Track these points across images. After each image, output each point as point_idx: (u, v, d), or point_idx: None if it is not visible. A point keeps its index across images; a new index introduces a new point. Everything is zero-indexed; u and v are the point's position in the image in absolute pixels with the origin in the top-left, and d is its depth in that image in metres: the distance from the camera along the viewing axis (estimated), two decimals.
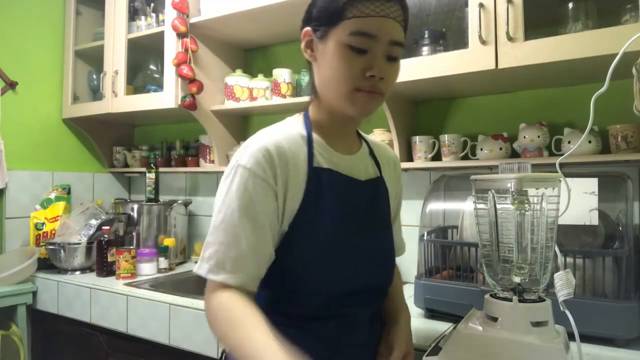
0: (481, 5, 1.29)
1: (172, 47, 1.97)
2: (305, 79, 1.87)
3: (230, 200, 0.80)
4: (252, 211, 0.79)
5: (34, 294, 1.95)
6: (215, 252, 0.80)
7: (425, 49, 1.49)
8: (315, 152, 0.86)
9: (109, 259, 1.92)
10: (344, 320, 0.88)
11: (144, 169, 2.24)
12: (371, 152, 0.99)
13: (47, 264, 2.04)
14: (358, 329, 0.91)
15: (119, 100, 2.15)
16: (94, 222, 2.09)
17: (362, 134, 1.01)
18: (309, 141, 0.87)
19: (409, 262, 1.75)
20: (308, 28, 0.86)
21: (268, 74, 1.98)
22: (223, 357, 0.99)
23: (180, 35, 1.95)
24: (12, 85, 2.18)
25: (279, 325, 0.75)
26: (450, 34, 1.52)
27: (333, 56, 0.81)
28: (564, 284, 0.89)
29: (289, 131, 0.87)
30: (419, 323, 1.27)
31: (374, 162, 0.98)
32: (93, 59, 2.38)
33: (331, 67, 0.82)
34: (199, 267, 0.81)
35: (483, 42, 1.29)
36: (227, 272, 0.79)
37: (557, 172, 0.92)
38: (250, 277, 0.80)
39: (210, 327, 0.80)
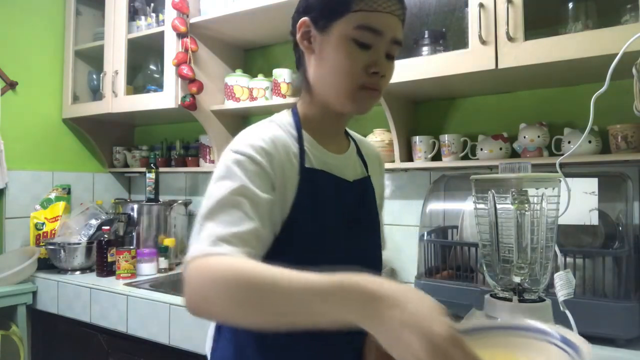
0: (481, 5, 1.29)
1: (172, 47, 1.97)
2: None
3: (228, 183, 0.74)
4: (251, 192, 0.72)
5: (34, 294, 1.95)
6: (215, 230, 0.68)
7: (425, 49, 1.49)
8: (306, 151, 0.82)
9: (109, 259, 1.92)
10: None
11: (144, 169, 2.24)
12: (358, 151, 0.94)
13: (47, 264, 2.04)
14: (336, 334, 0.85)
15: (119, 100, 2.15)
16: (94, 222, 2.09)
17: (349, 131, 0.97)
18: (300, 139, 0.83)
19: (409, 262, 1.77)
20: (306, 18, 0.80)
21: (268, 74, 1.97)
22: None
23: (180, 35, 1.95)
24: (12, 85, 2.18)
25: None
26: (450, 34, 1.52)
27: (336, 50, 0.77)
28: (564, 284, 0.89)
29: (279, 128, 0.84)
30: None
31: (361, 162, 0.94)
32: (93, 59, 2.38)
33: (333, 62, 0.78)
34: (194, 249, 0.67)
35: (483, 42, 1.29)
36: (231, 245, 0.66)
37: (557, 172, 0.92)
38: (254, 255, 0.69)
39: (199, 296, 0.63)
